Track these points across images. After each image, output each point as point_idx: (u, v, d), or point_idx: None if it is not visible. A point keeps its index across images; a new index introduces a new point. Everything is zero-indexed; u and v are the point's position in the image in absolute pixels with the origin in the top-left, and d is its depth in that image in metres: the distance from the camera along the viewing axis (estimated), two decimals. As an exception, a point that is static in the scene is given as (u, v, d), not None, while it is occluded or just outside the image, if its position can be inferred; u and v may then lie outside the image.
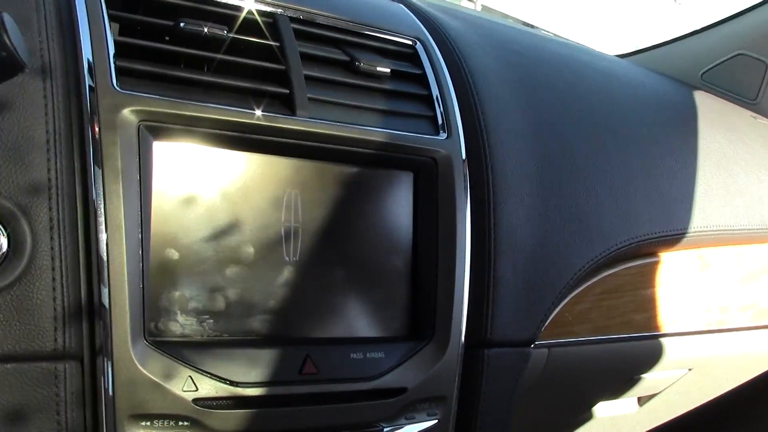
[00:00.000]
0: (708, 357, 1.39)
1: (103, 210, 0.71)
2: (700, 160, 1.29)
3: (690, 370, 1.42)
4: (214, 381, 0.76)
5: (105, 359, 0.72)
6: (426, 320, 0.90)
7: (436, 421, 0.88)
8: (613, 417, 1.47)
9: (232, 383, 0.76)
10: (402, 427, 0.86)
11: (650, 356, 1.28)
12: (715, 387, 1.55)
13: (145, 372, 0.73)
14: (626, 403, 1.47)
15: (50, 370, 0.71)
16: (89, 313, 0.72)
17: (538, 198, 1.00)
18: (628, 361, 1.25)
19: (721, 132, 1.35)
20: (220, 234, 0.79)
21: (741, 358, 1.48)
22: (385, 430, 0.85)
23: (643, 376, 1.33)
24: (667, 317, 1.24)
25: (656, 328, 1.25)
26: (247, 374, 0.77)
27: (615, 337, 1.18)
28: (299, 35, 0.87)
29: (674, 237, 1.19)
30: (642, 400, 1.49)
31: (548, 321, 1.06)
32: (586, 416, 1.40)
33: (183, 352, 0.76)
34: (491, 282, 0.94)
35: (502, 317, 0.95)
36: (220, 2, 0.83)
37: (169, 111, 0.75)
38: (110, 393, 0.72)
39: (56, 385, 0.71)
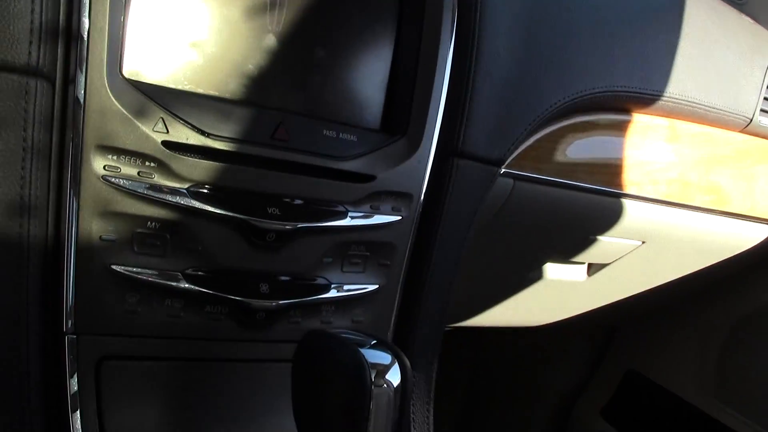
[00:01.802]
0: (663, 230, 1.42)
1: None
2: (683, 33, 1.29)
3: (643, 243, 1.44)
4: (185, 127, 0.74)
5: (78, 85, 0.70)
6: (400, 116, 0.89)
7: (400, 218, 0.88)
8: (562, 281, 1.49)
9: (203, 133, 0.75)
10: (366, 216, 0.86)
11: (608, 215, 1.30)
12: (663, 269, 1.58)
13: (117, 105, 0.72)
14: (576, 270, 1.50)
15: (21, 84, 0.69)
16: (66, 36, 0.70)
17: (523, 32, 0.99)
18: (586, 215, 1.27)
19: (707, 14, 1.36)
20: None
21: (694, 241, 1.51)
22: (349, 213, 0.84)
23: (598, 237, 1.35)
24: (630, 177, 1.26)
25: (619, 185, 1.26)
26: (219, 127, 0.76)
27: (577, 185, 1.19)
28: None
29: (650, 97, 1.19)
30: (591, 270, 1.52)
31: (518, 150, 1.06)
32: (536, 272, 1.42)
33: (158, 93, 0.74)
34: (468, 95, 0.94)
35: (474, 130, 0.95)
36: None
37: None
38: (81, 119, 0.70)
39: (26, 101, 0.69)
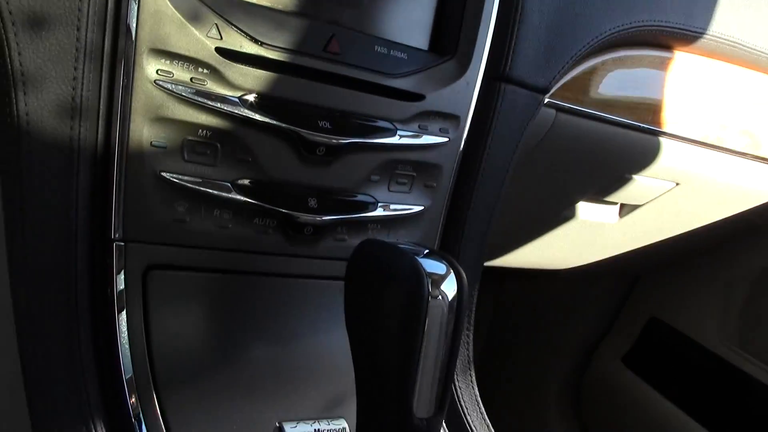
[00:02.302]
0: (697, 173, 1.40)
1: None
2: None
3: (677, 185, 1.42)
4: (239, 35, 0.73)
5: (131, -17, 0.68)
6: (450, 38, 0.88)
7: (447, 139, 0.87)
8: (593, 222, 1.48)
9: (256, 41, 0.74)
10: (414, 135, 0.85)
11: (644, 154, 1.28)
12: (694, 213, 1.57)
13: (171, 8, 0.70)
14: (608, 210, 1.49)
15: (75, -18, 0.67)
16: None
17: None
18: (623, 152, 1.25)
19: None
20: None
21: (727, 185, 1.49)
22: (398, 131, 0.83)
23: (633, 176, 1.34)
24: (668, 116, 1.24)
25: (657, 123, 1.24)
26: (273, 36, 0.75)
27: (617, 120, 1.18)
28: None
29: (692, 34, 1.17)
30: (623, 211, 1.51)
31: (563, 80, 1.05)
32: (568, 210, 1.41)
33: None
34: (517, 21, 0.93)
35: (522, 56, 0.94)
36: None
37: None
38: (135, 20, 0.69)
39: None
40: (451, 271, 0.65)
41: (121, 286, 0.72)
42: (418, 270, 0.62)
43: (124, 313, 0.71)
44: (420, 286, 0.61)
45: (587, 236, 1.54)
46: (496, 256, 1.53)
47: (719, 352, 1.79)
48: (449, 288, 0.63)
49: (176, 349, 0.72)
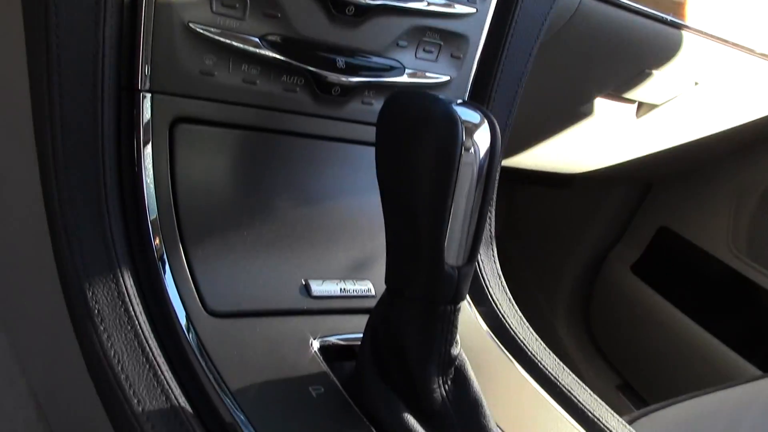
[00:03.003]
0: (718, 73, 1.38)
1: None
2: None
3: (696, 84, 1.41)
4: None
5: None
6: None
7: (475, 10, 0.86)
8: (610, 121, 1.47)
9: None
10: (444, 4, 0.83)
11: (666, 48, 1.27)
12: (711, 117, 1.55)
13: None
14: (626, 108, 1.47)
15: None
16: None
17: None
18: (645, 44, 1.24)
19: None
20: None
21: (746, 88, 1.48)
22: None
23: (653, 71, 1.32)
24: (693, 8, 1.22)
25: (681, 15, 1.22)
26: None
27: (641, 9, 1.17)
28: None
29: None
30: (641, 111, 1.49)
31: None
32: (586, 106, 1.40)
33: None
34: None
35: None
36: None
37: None
38: None
39: None
40: (485, 120, 0.64)
41: (148, 137, 0.71)
42: (453, 115, 0.61)
43: (150, 158, 0.70)
44: (454, 131, 0.61)
45: (603, 137, 1.53)
46: (510, 155, 1.53)
47: (728, 262, 1.79)
48: (483, 137, 0.63)
49: (202, 200, 0.72)
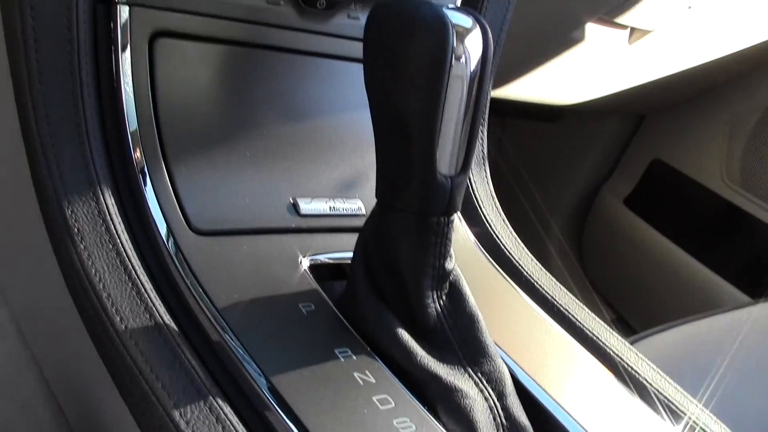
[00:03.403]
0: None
1: None
2: None
3: (690, 7, 1.37)
4: None
5: None
6: None
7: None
8: (601, 48, 1.44)
9: None
10: None
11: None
12: (705, 43, 1.52)
13: None
14: (618, 34, 1.44)
15: None
16: None
17: None
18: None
19: None
20: None
21: (741, 12, 1.44)
22: None
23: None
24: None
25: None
26: None
27: None
28: None
29: None
30: (633, 36, 1.46)
31: None
32: (577, 32, 1.37)
33: None
34: None
35: None
36: None
37: None
38: None
39: None
40: (477, 25, 0.61)
41: (126, 50, 0.68)
42: (443, 19, 0.58)
43: (129, 71, 0.67)
44: (445, 35, 0.58)
45: (594, 66, 1.50)
46: (498, 86, 1.49)
47: (721, 193, 1.78)
48: (474, 42, 0.60)
49: (184, 115, 0.69)
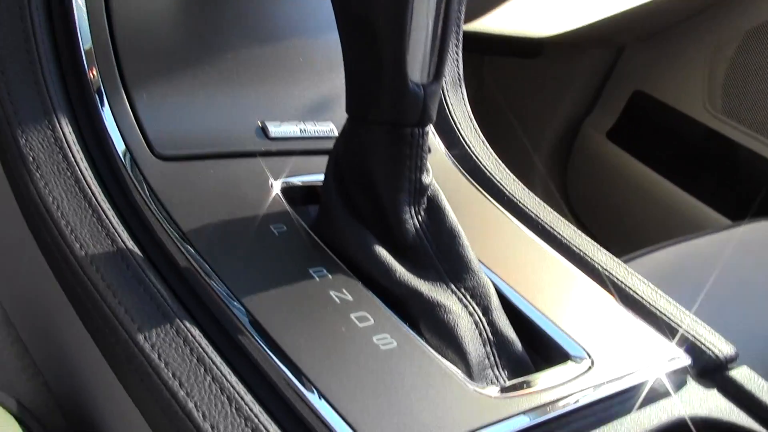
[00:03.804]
0: None
1: None
2: None
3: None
4: None
5: None
6: None
7: None
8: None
9: None
10: None
11: None
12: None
13: None
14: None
15: None
16: None
17: None
18: None
19: None
20: None
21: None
22: None
23: None
24: None
25: None
26: None
27: None
28: None
29: None
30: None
31: None
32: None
33: None
34: None
35: None
36: None
37: None
38: None
39: None
40: None
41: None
42: None
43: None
44: None
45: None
46: (476, 17, 1.45)
47: (704, 121, 1.75)
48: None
49: (143, 34, 0.65)
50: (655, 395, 0.57)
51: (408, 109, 0.57)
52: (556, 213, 0.75)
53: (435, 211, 0.61)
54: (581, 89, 1.97)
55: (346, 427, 0.44)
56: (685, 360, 0.60)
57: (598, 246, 0.72)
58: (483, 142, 0.83)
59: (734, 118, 1.70)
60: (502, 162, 0.80)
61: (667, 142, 1.84)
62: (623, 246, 1.78)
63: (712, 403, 0.58)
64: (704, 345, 0.62)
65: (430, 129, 0.69)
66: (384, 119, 0.58)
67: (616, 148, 1.90)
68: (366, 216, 0.60)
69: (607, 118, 1.94)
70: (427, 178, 0.61)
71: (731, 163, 1.72)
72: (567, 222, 0.75)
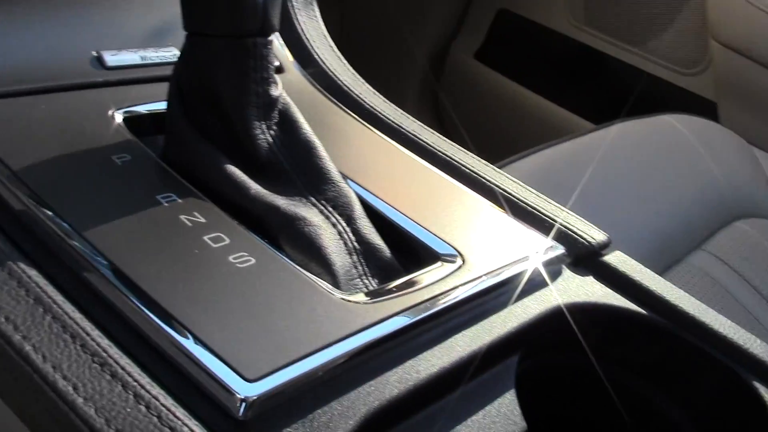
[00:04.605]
0: None
1: None
2: None
3: None
4: None
5: None
6: None
7: None
8: None
9: None
10: None
11: None
12: None
13: None
14: None
15: None
16: None
17: None
18: None
19: None
20: None
21: None
22: None
23: None
24: None
25: None
26: None
27: None
28: None
29: None
30: None
31: None
32: None
33: None
34: None
35: None
36: None
37: None
38: None
39: None
40: None
41: None
42: None
43: None
44: None
45: None
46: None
47: (568, 33, 1.76)
48: None
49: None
50: (531, 287, 0.56)
51: (247, 19, 0.54)
52: (420, 122, 0.73)
53: (288, 124, 0.58)
54: (445, 12, 1.96)
55: (203, 350, 0.42)
56: (559, 249, 0.59)
57: (466, 151, 0.70)
58: (339, 57, 0.80)
59: (596, 28, 1.72)
60: (374, 89, 0.77)
61: (534, 58, 1.85)
62: (496, 157, 1.80)
63: (588, 289, 0.58)
64: (577, 234, 0.61)
65: (276, 41, 0.66)
66: (223, 31, 0.55)
67: (485, 68, 1.90)
68: (215, 136, 0.57)
69: (474, 39, 1.93)
70: (276, 91, 0.58)
71: (595, 71, 1.75)
72: (432, 130, 0.73)
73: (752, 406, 0.53)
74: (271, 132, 0.57)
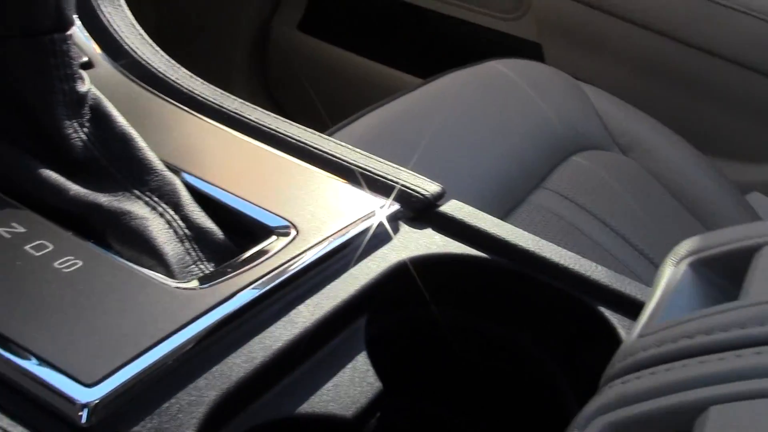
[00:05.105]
0: None
1: None
2: None
3: None
4: None
5: None
6: None
7: None
8: None
9: None
10: None
11: None
12: None
13: None
14: None
15: None
16: None
17: None
18: None
19: None
20: None
21: None
22: None
23: None
24: None
25: None
26: None
27: None
28: None
29: None
30: None
31: None
32: None
33: None
34: None
35: None
36: None
37: None
38: None
39: None
40: None
41: None
42: None
43: None
44: None
45: None
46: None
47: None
48: None
49: None
50: (371, 248, 0.57)
51: (38, 15, 0.52)
52: (241, 100, 0.72)
53: (100, 119, 0.57)
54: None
55: (36, 364, 0.40)
56: (395, 206, 0.60)
57: (291, 122, 0.70)
58: (152, 45, 0.78)
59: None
60: (203, 75, 0.76)
61: (356, 21, 1.86)
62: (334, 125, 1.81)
63: (428, 241, 0.59)
64: (411, 189, 0.62)
65: (81, 35, 0.64)
66: (16, 31, 0.52)
67: (309, 38, 1.89)
68: (24, 140, 0.55)
69: (295, 11, 1.92)
70: (83, 87, 0.56)
71: (417, 27, 1.77)
72: (255, 106, 0.72)
73: (600, 330, 0.55)
74: (84, 129, 0.56)
